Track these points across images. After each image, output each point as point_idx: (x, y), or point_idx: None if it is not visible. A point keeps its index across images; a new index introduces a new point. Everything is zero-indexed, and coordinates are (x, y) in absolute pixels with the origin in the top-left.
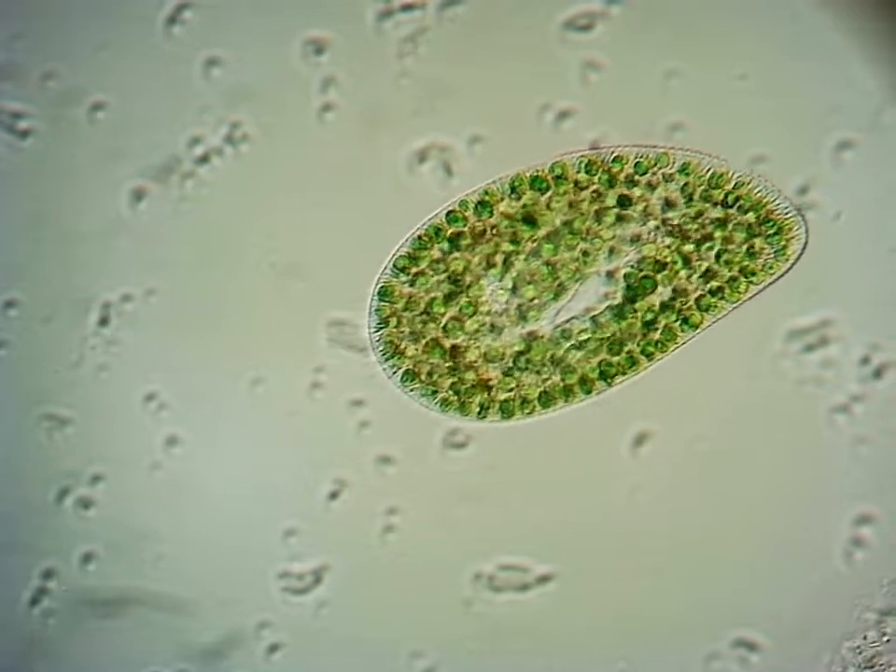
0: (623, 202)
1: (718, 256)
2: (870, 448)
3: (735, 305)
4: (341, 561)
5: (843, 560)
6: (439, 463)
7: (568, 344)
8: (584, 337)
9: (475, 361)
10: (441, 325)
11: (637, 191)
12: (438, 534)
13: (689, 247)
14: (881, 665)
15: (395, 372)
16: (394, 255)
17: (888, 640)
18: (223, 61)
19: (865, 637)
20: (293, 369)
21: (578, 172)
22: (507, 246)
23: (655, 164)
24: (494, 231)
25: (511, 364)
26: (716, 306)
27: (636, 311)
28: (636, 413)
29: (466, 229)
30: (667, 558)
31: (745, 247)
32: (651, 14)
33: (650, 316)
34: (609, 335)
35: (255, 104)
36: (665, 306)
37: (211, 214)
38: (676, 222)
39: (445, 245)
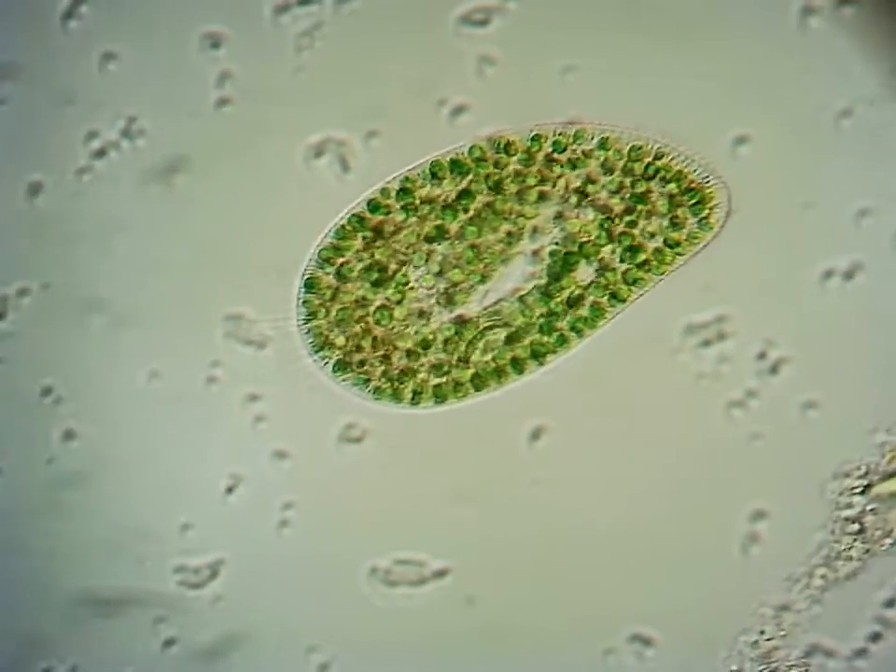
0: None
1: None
2: (765, 443)
3: (661, 277)
4: (236, 555)
5: (739, 555)
6: (335, 457)
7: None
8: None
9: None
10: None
11: (556, 169)
12: (334, 528)
13: (611, 223)
14: (777, 660)
15: (325, 364)
16: (317, 246)
17: (784, 635)
18: (120, 55)
19: (762, 632)
20: (189, 363)
21: (497, 153)
22: (430, 231)
23: (574, 141)
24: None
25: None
26: (643, 279)
27: (562, 288)
28: (533, 406)
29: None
30: (564, 553)
31: (668, 219)
32: (547, 8)
33: (576, 294)
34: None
35: (152, 98)
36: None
37: (107, 208)
38: (599, 197)
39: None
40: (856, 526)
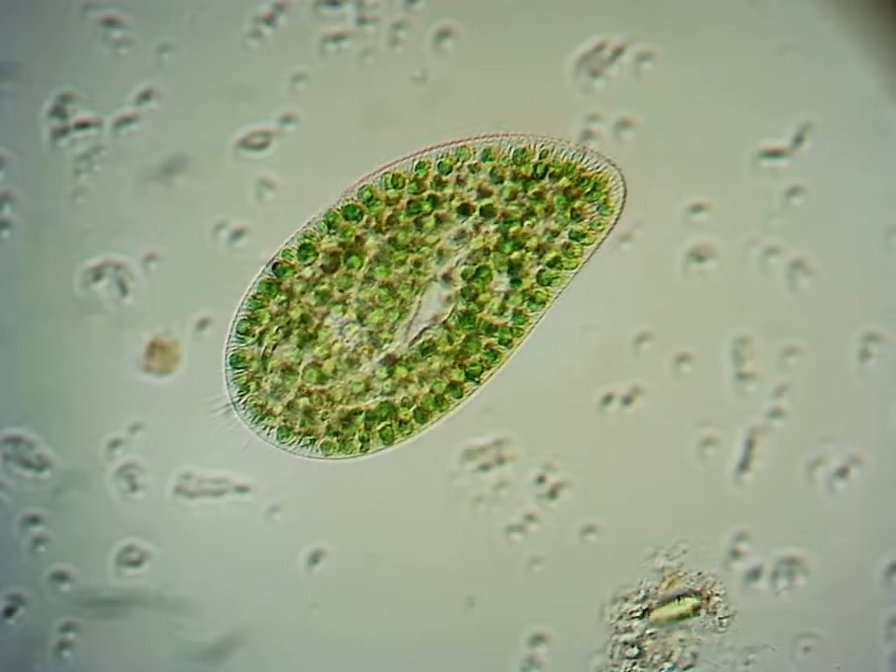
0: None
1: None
2: (545, 567)
3: (575, 271)
4: None
5: None
6: (114, 580)
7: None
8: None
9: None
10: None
11: (448, 190)
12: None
13: (514, 228)
14: None
15: (269, 433)
16: (233, 321)
17: None
18: None
19: None
20: None
21: (386, 189)
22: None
23: (458, 160)
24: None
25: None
26: (557, 277)
27: (482, 305)
28: (311, 531)
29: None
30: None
31: (568, 212)
32: (326, 132)
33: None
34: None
35: None
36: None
37: None
38: (496, 207)
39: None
40: (635, 650)
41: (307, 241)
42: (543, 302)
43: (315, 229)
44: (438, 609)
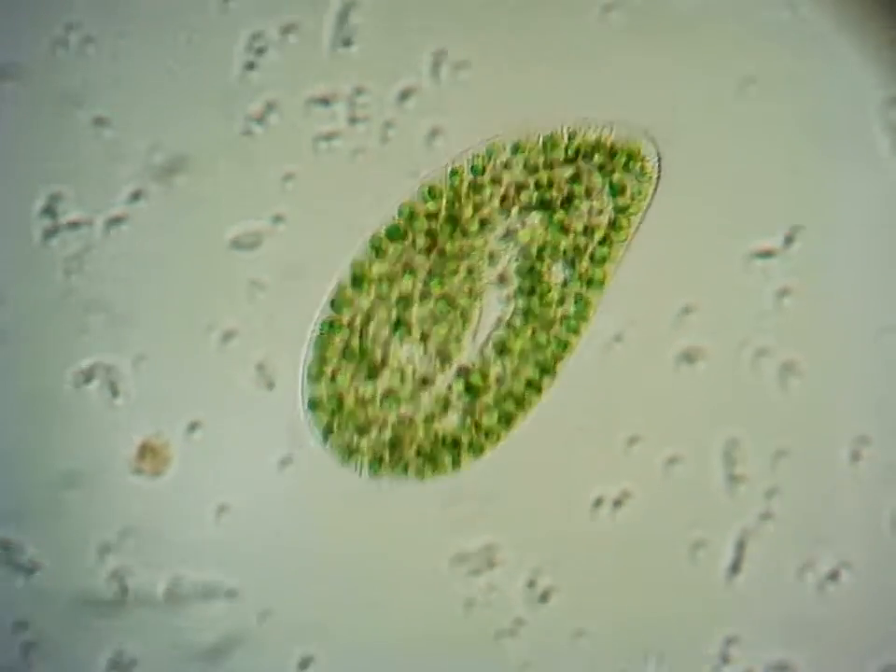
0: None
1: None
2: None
3: (626, 243)
4: None
5: None
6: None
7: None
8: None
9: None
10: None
11: (487, 191)
12: None
13: (559, 215)
14: None
15: (362, 469)
16: (303, 366)
17: None
18: None
19: None
20: None
21: (426, 202)
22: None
23: (489, 159)
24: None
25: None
26: (610, 254)
27: (541, 297)
28: (300, 634)
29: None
30: None
31: (608, 188)
32: (312, 233)
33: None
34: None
35: None
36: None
37: None
38: (536, 198)
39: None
40: None
41: (357, 271)
42: (602, 282)
43: (363, 257)
44: None
